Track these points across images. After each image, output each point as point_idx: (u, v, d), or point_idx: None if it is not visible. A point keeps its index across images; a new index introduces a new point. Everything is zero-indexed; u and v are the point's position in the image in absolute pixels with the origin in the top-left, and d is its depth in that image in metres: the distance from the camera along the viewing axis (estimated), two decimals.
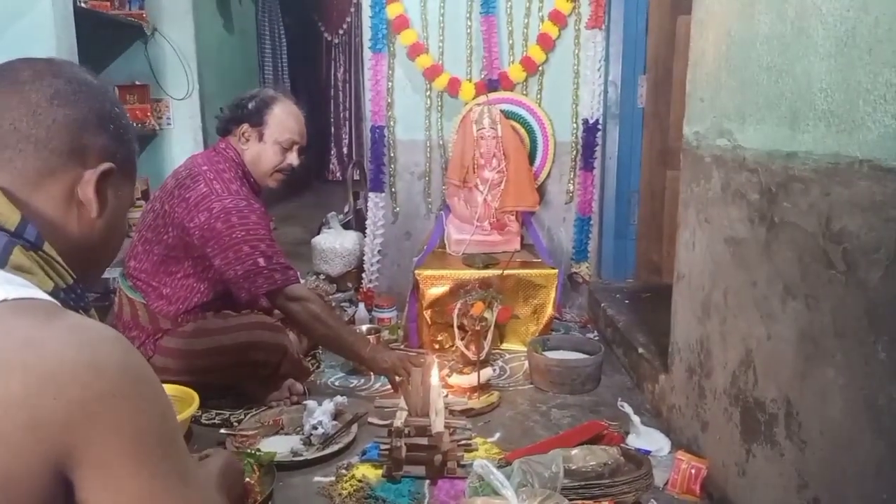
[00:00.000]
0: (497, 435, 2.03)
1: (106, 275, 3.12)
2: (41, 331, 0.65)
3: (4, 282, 0.67)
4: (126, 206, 0.90)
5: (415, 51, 3.12)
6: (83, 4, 3.29)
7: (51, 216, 0.79)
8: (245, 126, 2.18)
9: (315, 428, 1.90)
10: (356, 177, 3.94)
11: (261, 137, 2.18)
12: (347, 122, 7.81)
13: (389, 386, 2.20)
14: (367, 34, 3.17)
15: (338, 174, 7.68)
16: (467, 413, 2.11)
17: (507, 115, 3.10)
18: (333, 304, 3.10)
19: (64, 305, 0.72)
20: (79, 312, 0.74)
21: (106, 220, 0.85)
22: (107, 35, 3.91)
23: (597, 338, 2.86)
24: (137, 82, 4.14)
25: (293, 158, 2.23)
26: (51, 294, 0.72)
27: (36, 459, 0.61)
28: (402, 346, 2.74)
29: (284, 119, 2.20)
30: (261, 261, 2.03)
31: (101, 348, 0.66)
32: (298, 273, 2.15)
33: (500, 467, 1.53)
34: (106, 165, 0.82)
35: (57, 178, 0.79)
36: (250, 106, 2.19)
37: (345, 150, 7.83)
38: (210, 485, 0.81)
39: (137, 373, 0.68)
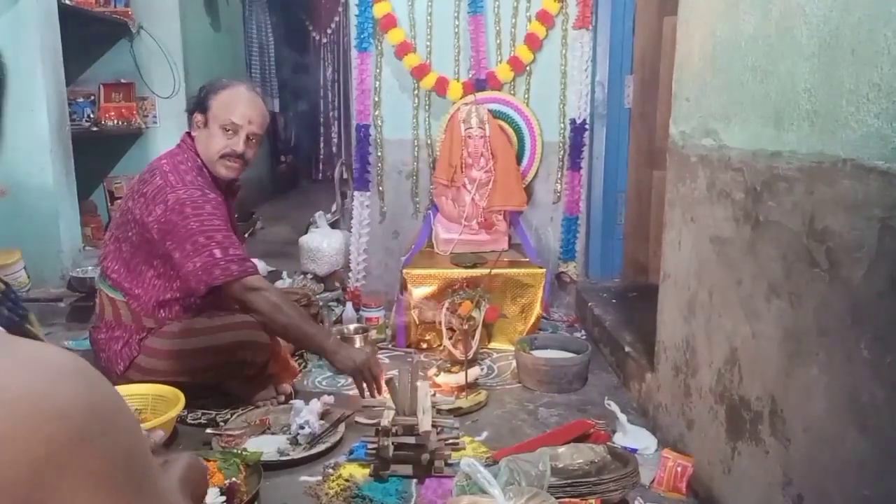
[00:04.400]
0: (484, 434, 2.03)
1: (87, 275, 3.10)
2: None
3: None
4: None
5: (402, 50, 3.12)
6: (68, 2, 3.26)
7: None
8: (196, 114, 2.16)
9: (302, 427, 1.89)
10: (344, 176, 3.92)
11: (206, 123, 2.14)
12: (336, 122, 7.80)
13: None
14: (353, 33, 3.16)
15: (327, 173, 7.67)
16: (455, 412, 2.10)
17: (495, 114, 3.11)
18: (321, 303, 3.08)
19: None
20: (16, 320, 0.67)
21: None
22: (92, 33, 3.89)
23: (584, 337, 2.87)
24: (123, 80, 4.12)
25: (237, 143, 2.12)
26: None
27: None
28: (389, 346, 2.74)
29: (227, 102, 2.13)
30: (217, 252, 2.00)
31: (61, 388, 0.58)
32: (256, 265, 2.11)
33: (487, 466, 1.53)
34: None
35: None
36: (201, 94, 2.17)
37: (333, 149, 7.81)
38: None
39: (103, 407, 0.61)
